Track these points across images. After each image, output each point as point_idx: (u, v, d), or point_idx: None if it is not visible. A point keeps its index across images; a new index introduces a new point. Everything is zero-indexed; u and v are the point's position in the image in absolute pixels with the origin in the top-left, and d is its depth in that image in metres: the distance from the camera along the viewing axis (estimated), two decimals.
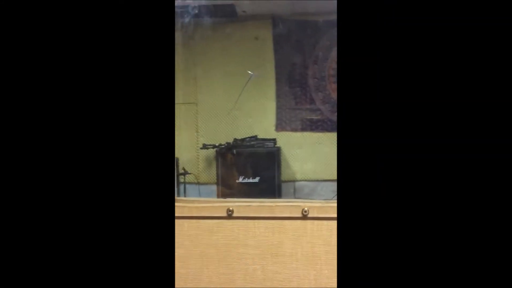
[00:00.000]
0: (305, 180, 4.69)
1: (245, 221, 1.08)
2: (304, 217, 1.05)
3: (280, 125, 4.98)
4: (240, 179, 4.87)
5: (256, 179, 4.74)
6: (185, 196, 5.07)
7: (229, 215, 1.07)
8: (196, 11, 4.64)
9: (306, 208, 1.05)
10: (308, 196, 4.48)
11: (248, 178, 4.79)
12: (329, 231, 0.98)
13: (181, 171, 5.16)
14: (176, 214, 1.09)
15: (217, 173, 4.96)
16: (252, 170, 4.78)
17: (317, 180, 4.54)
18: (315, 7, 4.31)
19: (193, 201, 1.12)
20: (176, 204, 1.10)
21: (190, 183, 5.30)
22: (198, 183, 5.49)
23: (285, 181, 4.79)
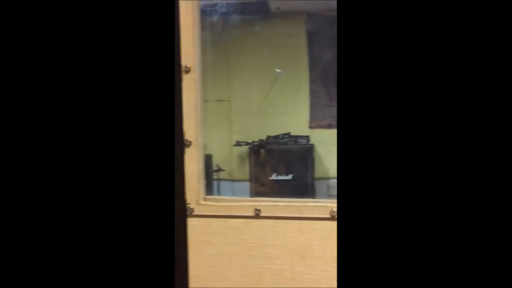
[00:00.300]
0: None
1: (273, 221, 1.06)
2: (333, 218, 1.03)
3: (314, 122, 4.94)
4: (273, 176, 4.86)
5: (289, 176, 4.72)
6: (218, 193, 5.10)
7: (257, 215, 1.06)
8: (230, 9, 4.65)
9: (335, 209, 1.03)
10: None
11: (281, 175, 4.78)
12: None
13: (214, 168, 5.21)
14: (204, 213, 1.10)
15: (250, 170, 4.97)
16: (285, 167, 4.76)
17: None
18: None
19: (221, 200, 1.11)
20: (204, 202, 1.10)
21: (223, 180, 5.34)
22: (231, 180, 5.52)
23: (319, 179, 4.74)
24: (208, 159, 5.16)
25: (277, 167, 4.79)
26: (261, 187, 4.88)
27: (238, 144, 5.16)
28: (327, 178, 4.78)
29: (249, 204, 1.07)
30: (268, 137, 5.10)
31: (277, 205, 1.06)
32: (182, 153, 1.08)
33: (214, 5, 4.61)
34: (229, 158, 5.76)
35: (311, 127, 5.02)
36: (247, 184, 5.11)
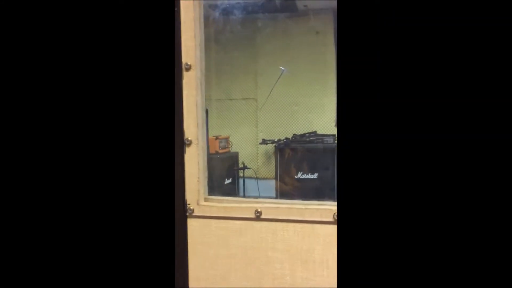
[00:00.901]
0: None
1: (274, 223, 1.03)
2: (336, 221, 0.99)
3: None
4: (299, 175, 4.81)
5: (315, 175, 4.67)
6: (244, 191, 5.09)
7: (257, 217, 1.03)
8: (256, 7, 4.63)
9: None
10: None
11: (307, 174, 4.72)
12: None
13: (240, 165, 5.20)
14: (204, 214, 1.07)
15: (276, 168, 4.94)
16: (311, 166, 4.70)
17: None
18: None
19: (222, 201, 1.09)
20: (204, 203, 1.08)
21: (249, 177, 5.33)
22: (257, 178, 5.51)
23: None
24: (234, 157, 5.17)
25: (303, 166, 4.74)
26: (287, 186, 4.84)
27: (264, 142, 5.13)
28: None
29: (250, 205, 1.04)
30: (294, 135, 5.06)
31: (278, 207, 1.03)
32: (182, 153, 1.06)
33: (240, 3, 4.59)
34: (255, 156, 5.75)
35: (337, 126, 4.92)
36: (272, 182, 5.08)
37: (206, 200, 1.09)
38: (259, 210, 1.03)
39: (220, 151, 4.96)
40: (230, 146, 5.25)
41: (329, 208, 1.00)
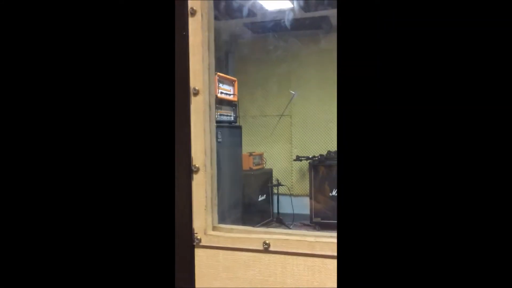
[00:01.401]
0: None
1: (283, 256, 0.97)
2: None
3: None
4: (333, 193, 4.72)
5: None
6: (278, 208, 5.03)
7: (266, 249, 0.98)
8: (290, 25, 4.61)
9: None
10: None
11: None
12: None
13: (274, 182, 5.16)
14: (212, 244, 1.03)
15: (310, 186, 4.86)
16: None
17: None
18: None
19: (231, 230, 1.04)
20: (212, 232, 1.04)
21: (283, 194, 5.27)
22: (291, 195, 5.44)
23: None
24: (268, 173, 5.13)
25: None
26: (321, 204, 4.75)
27: (298, 159, 5.08)
28: None
29: (258, 236, 0.99)
30: (329, 152, 4.98)
31: (288, 240, 0.97)
32: (189, 180, 1.02)
33: (274, 21, 4.59)
34: (289, 172, 5.69)
35: None
36: (306, 200, 5.00)
37: (215, 229, 1.05)
38: (267, 242, 0.98)
39: (254, 167, 4.93)
40: (264, 162, 5.22)
41: None
